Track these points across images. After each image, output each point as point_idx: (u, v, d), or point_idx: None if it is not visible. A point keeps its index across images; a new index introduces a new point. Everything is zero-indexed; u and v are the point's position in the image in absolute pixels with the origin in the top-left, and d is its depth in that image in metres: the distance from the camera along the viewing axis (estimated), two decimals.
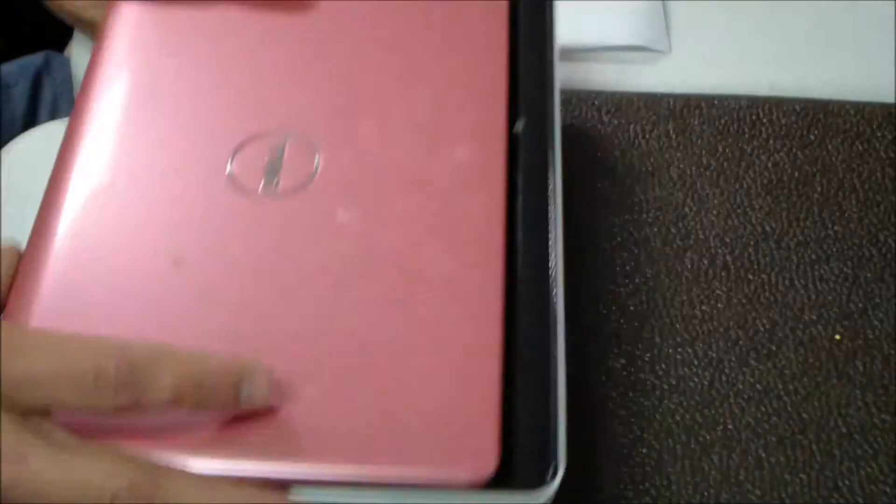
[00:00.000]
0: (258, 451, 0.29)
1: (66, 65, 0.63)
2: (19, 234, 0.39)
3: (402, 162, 0.35)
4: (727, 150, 0.46)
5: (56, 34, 0.64)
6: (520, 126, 0.37)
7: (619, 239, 0.43)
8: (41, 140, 0.47)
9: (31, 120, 0.64)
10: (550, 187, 0.36)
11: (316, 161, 0.35)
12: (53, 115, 0.63)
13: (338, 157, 0.36)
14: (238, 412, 0.29)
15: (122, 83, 0.38)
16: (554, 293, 0.33)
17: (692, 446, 0.38)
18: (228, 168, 0.35)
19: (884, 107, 0.47)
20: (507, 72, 0.38)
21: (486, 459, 0.29)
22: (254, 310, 0.32)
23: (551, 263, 0.34)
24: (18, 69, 0.65)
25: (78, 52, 0.53)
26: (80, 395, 0.27)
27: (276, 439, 0.30)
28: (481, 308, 0.32)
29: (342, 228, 0.34)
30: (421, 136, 0.36)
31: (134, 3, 0.40)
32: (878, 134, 0.46)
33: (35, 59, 0.65)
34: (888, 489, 0.37)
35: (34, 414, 0.27)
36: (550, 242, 0.35)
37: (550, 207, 0.35)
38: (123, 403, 0.27)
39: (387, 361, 0.31)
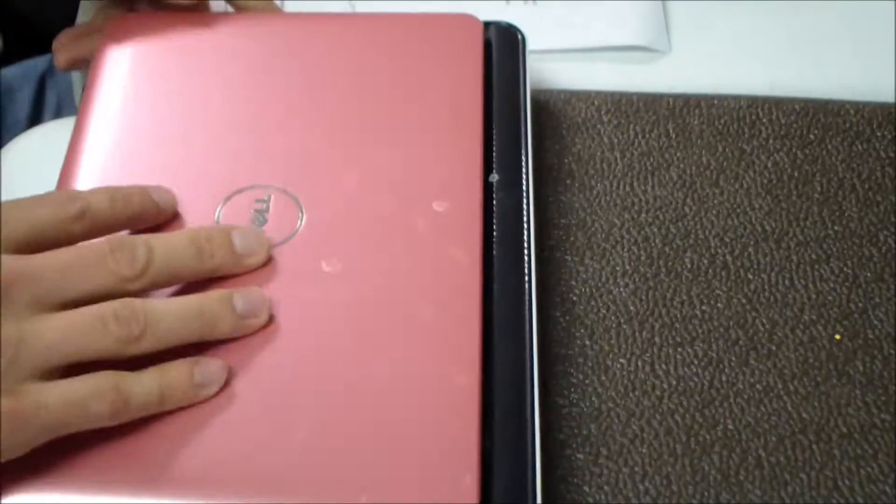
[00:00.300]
0: (245, 489, 0.31)
1: None
2: None
3: (382, 214, 0.37)
4: (727, 150, 0.46)
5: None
6: (494, 177, 0.39)
7: (618, 239, 0.43)
8: (40, 139, 0.48)
9: (35, 122, 0.64)
10: (525, 237, 0.38)
11: (300, 213, 0.37)
12: (57, 118, 0.63)
13: (321, 209, 0.37)
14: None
15: (109, 133, 0.39)
16: (529, 338, 0.35)
17: (692, 446, 0.38)
18: (216, 219, 0.37)
19: (884, 107, 0.47)
20: (482, 123, 0.40)
21: (466, 496, 0.30)
22: (241, 354, 0.33)
23: (526, 313, 0.36)
24: (23, 72, 0.66)
25: None
26: (48, 210, 0.33)
27: (263, 477, 0.31)
28: (460, 356, 0.34)
29: (326, 278, 0.35)
30: (400, 189, 0.37)
31: (124, 45, 0.41)
32: (878, 134, 0.46)
33: (39, 63, 0.65)
34: (888, 489, 0.37)
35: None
36: (526, 292, 0.36)
37: (525, 256, 0.37)
38: (77, 209, 0.33)
39: (369, 406, 0.33)
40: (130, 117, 0.40)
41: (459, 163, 0.38)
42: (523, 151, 0.40)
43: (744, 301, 0.42)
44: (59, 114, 0.64)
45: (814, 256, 0.43)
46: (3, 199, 0.34)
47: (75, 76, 0.53)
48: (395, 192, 0.37)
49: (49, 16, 0.48)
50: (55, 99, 0.64)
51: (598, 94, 0.47)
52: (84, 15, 0.53)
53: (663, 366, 0.40)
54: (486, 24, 0.43)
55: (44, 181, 0.38)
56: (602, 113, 0.47)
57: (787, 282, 0.42)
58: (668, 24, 0.51)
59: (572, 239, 0.43)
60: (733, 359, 0.40)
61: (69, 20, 0.58)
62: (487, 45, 0.43)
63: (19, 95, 0.65)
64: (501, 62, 0.43)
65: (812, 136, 0.46)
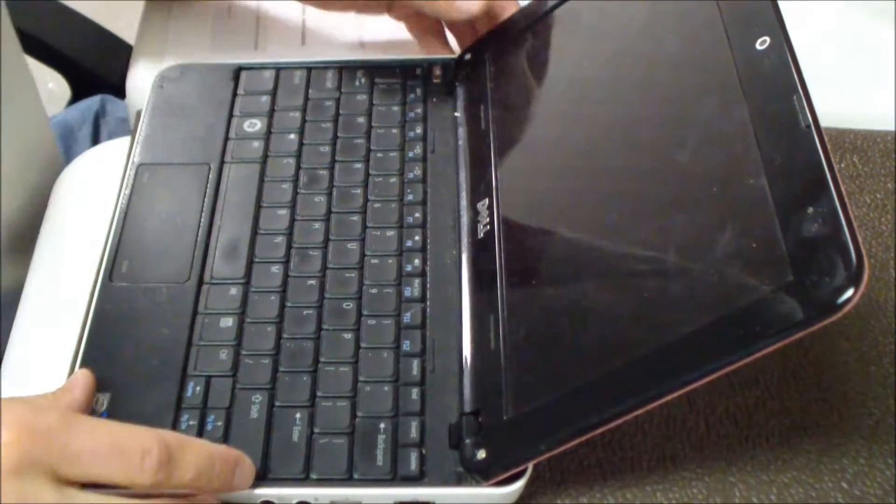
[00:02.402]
0: None
1: (120, 106, 0.69)
2: (55, 258, 0.42)
3: None
4: None
5: (115, 77, 0.69)
6: None
7: None
8: (94, 159, 0.51)
9: None
10: None
11: None
12: None
13: None
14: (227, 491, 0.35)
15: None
16: None
17: None
18: None
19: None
20: None
21: None
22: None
23: None
24: (80, 113, 0.71)
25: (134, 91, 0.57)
26: (126, 472, 0.31)
27: None
28: None
29: None
30: None
31: None
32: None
33: (92, 104, 0.70)
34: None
35: (73, 487, 0.31)
36: None
37: None
38: (159, 480, 0.31)
39: None
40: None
41: None
42: None
43: None
44: None
45: None
46: (58, 215, 0.35)
47: (129, 104, 0.57)
48: None
49: (102, 63, 0.53)
50: (108, 135, 0.69)
51: None
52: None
53: None
54: None
55: (97, 198, 0.41)
56: None
57: None
58: None
59: None
60: None
61: (121, 66, 0.62)
62: None
63: (80, 134, 0.70)
64: None
65: None
